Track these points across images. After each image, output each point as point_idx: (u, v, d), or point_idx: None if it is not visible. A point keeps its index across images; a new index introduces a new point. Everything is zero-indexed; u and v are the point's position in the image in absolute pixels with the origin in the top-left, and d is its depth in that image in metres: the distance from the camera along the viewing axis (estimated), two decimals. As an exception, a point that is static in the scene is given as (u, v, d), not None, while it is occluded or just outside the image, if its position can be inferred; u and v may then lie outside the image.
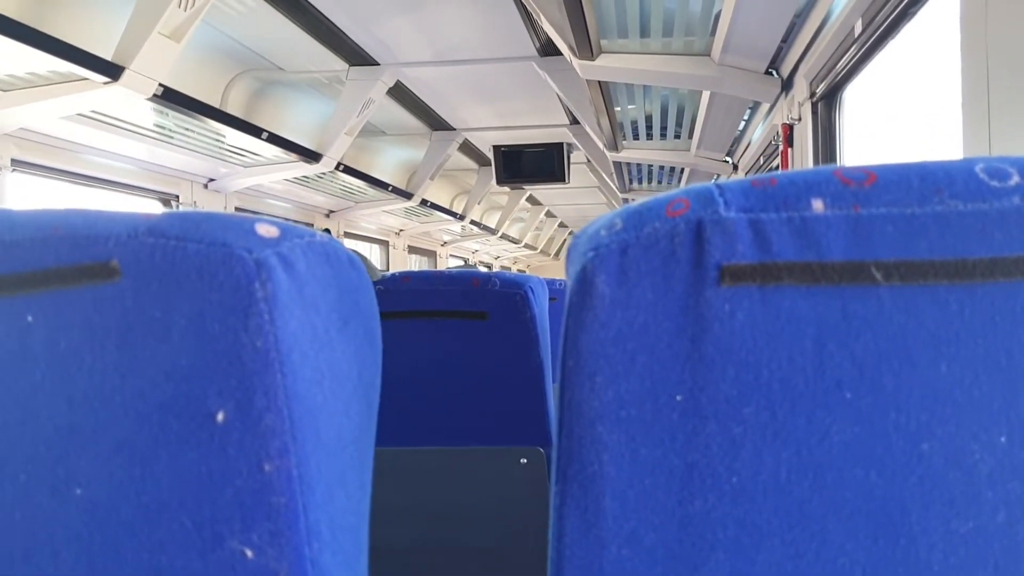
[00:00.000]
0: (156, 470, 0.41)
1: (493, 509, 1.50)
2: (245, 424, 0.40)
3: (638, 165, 5.24)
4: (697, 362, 0.40)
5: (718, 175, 4.56)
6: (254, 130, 3.19)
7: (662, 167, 5.22)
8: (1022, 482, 0.40)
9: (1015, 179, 0.39)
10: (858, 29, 1.81)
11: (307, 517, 0.42)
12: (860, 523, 0.40)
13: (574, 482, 0.42)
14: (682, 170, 5.03)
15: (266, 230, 0.42)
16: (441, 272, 1.53)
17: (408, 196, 5.22)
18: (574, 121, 4.69)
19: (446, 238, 8.23)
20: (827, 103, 2.30)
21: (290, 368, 0.40)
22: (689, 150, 4.15)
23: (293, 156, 3.57)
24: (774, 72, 2.63)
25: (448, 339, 1.46)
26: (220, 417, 0.40)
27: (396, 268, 6.53)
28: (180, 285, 0.40)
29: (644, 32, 2.49)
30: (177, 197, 3.64)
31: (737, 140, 3.93)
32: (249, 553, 0.41)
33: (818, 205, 0.39)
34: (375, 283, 1.46)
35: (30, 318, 0.41)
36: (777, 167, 2.88)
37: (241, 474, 0.40)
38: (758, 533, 0.40)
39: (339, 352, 0.45)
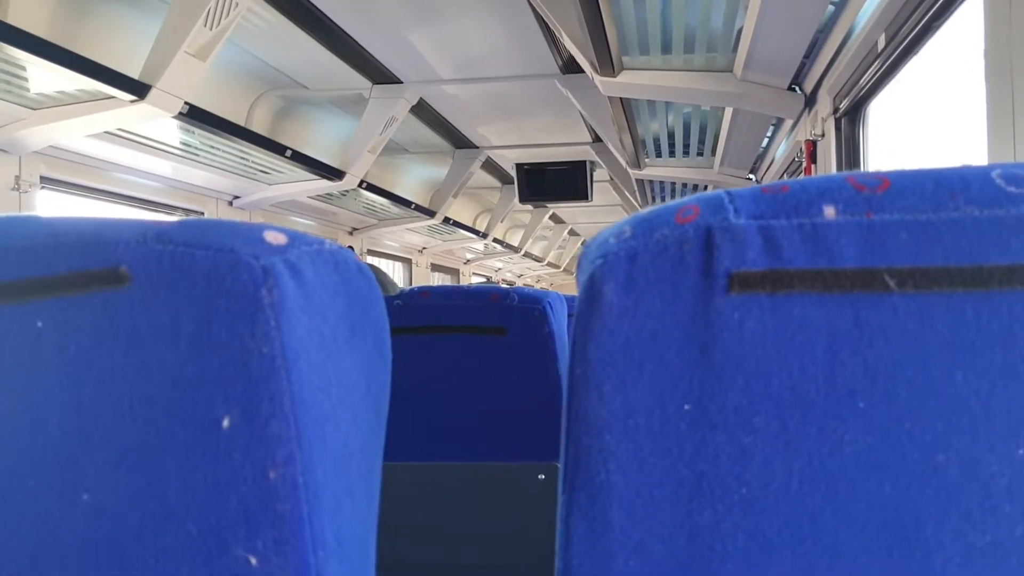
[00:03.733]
0: (162, 476, 0.41)
1: (511, 525, 1.49)
2: (251, 430, 0.40)
3: (661, 183, 5.22)
4: (706, 371, 0.39)
5: (741, 192, 4.53)
6: (278, 148, 3.22)
7: (685, 184, 5.20)
8: None
9: None
10: (881, 44, 1.80)
11: (312, 525, 0.41)
12: (873, 536, 0.39)
13: (581, 492, 0.41)
14: (705, 187, 5.01)
15: (274, 237, 0.42)
16: (460, 287, 1.53)
17: (431, 214, 5.24)
18: (596, 139, 4.69)
19: (469, 256, 8.24)
20: (851, 119, 2.28)
21: (296, 375, 0.40)
22: (712, 167, 4.13)
23: (316, 174, 3.60)
24: (797, 88, 2.61)
25: (466, 354, 1.46)
26: (226, 423, 0.40)
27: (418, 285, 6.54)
28: (187, 291, 0.40)
29: (666, 48, 2.49)
30: (202, 214, 3.67)
31: (760, 157, 3.91)
32: (254, 560, 0.40)
33: (830, 211, 0.39)
34: (394, 297, 1.47)
35: (40, 324, 0.41)
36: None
37: (246, 481, 0.40)
38: (769, 545, 0.40)
39: (347, 361, 0.45)
